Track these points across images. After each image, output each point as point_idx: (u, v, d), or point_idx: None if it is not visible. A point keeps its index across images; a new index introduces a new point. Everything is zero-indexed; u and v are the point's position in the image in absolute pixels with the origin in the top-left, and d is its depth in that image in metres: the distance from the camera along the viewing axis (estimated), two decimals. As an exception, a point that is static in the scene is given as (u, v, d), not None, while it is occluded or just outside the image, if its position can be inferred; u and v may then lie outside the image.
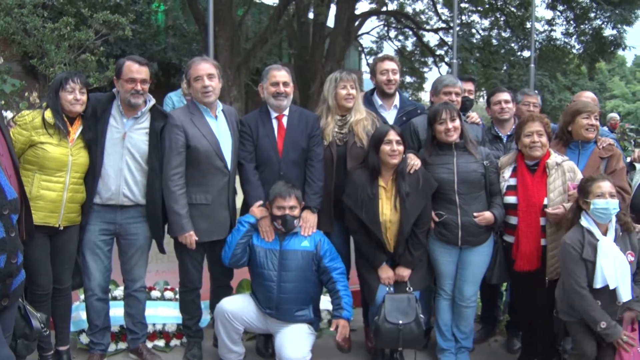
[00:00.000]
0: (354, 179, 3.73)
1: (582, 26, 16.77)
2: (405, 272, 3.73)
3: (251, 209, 3.75)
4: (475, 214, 3.68)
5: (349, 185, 3.74)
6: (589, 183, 3.34)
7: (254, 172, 3.85)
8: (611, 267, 3.21)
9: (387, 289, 3.72)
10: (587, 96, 4.84)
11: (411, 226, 3.65)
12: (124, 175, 3.60)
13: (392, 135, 3.63)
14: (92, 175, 3.57)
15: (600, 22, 16.25)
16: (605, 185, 3.29)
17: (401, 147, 3.64)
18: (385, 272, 3.74)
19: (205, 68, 3.73)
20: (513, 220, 3.73)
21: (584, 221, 3.33)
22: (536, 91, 4.81)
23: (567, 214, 3.48)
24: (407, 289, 3.72)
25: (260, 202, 3.76)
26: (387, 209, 3.67)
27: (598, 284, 3.23)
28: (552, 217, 3.57)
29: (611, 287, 3.21)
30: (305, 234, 3.73)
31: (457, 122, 3.71)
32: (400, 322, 3.60)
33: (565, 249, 3.35)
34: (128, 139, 3.61)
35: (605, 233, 3.30)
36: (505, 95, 4.43)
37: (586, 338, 3.36)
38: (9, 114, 4.45)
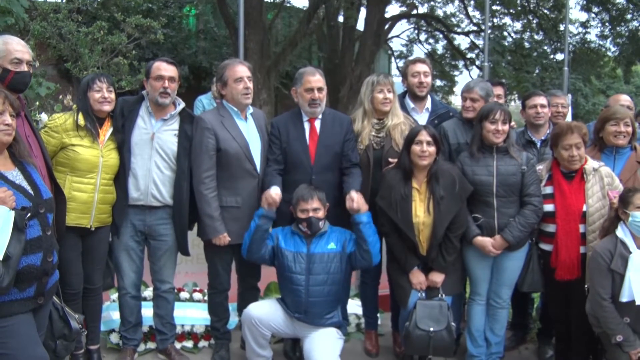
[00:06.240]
0: (387, 179, 3.69)
1: (618, 28, 16.40)
2: (438, 278, 3.67)
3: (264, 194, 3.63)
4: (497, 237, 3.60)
5: (383, 186, 3.69)
6: (630, 193, 3.25)
7: (275, 171, 3.76)
8: None
9: (419, 294, 3.67)
10: (624, 99, 4.71)
11: (445, 230, 3.59)
12: (152, 175, 3.63)
13: (423, 136, 3.56)
14: (123, 176, 3.62)
15: (637, 24, 15.88)
16: None
17: (432, 149, 3.56)
18: (417, 277, 3.68)
19: (245, 70, 3.77)
20: (551, 228, 3.64)
21: (620, 231, 3.24)
22: (569, 95, 4.67)
23: (604, 223, 3.40)
24: (440, 295, 3.67)
25: (275, 187, 3.62)
26: (420, 211, 3.61)
27: (624, 298, 3.15)
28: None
29: (638, 303, 3.12)
30: (355, 206, 3.56)
31: (507, 127, 3.64)
32: (432, 329, 3.55)
33: (593, 257, 3.28)
34: (157, 140, 3.64)
35: None
36: (542, 100, 4.30)
37: (617, 349, 3.26)
38: (44, 116, 4.55)
